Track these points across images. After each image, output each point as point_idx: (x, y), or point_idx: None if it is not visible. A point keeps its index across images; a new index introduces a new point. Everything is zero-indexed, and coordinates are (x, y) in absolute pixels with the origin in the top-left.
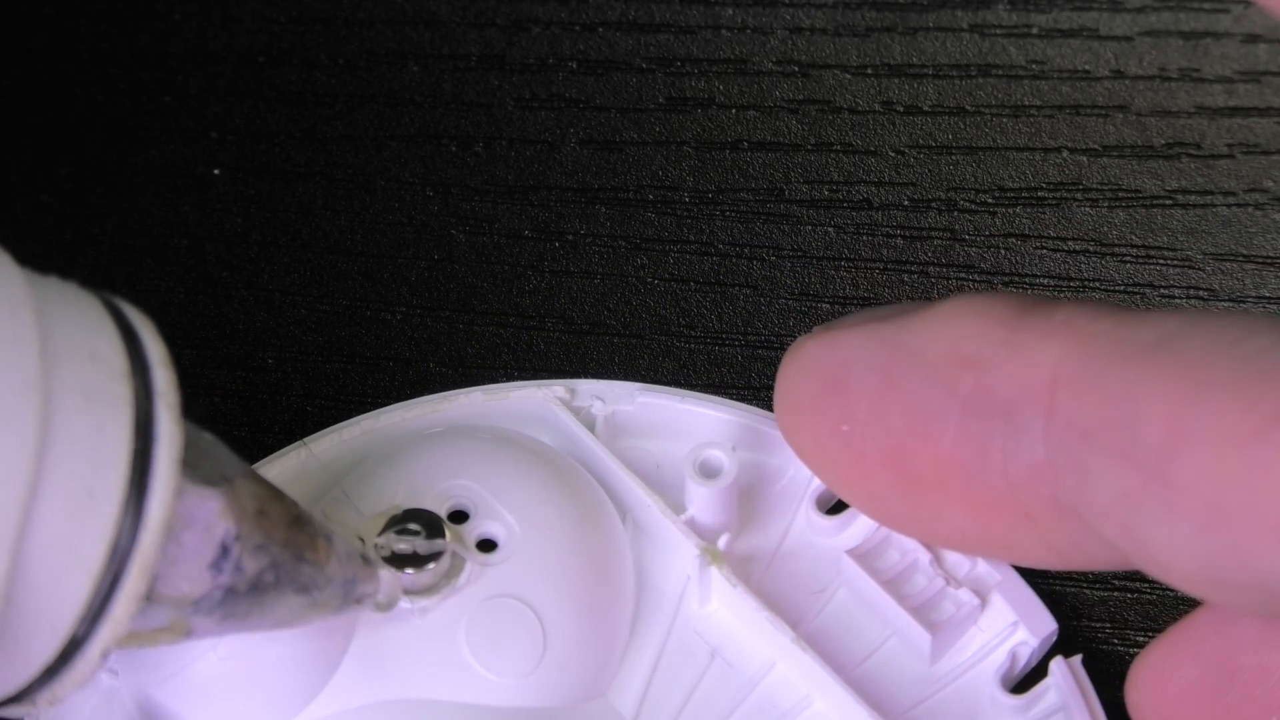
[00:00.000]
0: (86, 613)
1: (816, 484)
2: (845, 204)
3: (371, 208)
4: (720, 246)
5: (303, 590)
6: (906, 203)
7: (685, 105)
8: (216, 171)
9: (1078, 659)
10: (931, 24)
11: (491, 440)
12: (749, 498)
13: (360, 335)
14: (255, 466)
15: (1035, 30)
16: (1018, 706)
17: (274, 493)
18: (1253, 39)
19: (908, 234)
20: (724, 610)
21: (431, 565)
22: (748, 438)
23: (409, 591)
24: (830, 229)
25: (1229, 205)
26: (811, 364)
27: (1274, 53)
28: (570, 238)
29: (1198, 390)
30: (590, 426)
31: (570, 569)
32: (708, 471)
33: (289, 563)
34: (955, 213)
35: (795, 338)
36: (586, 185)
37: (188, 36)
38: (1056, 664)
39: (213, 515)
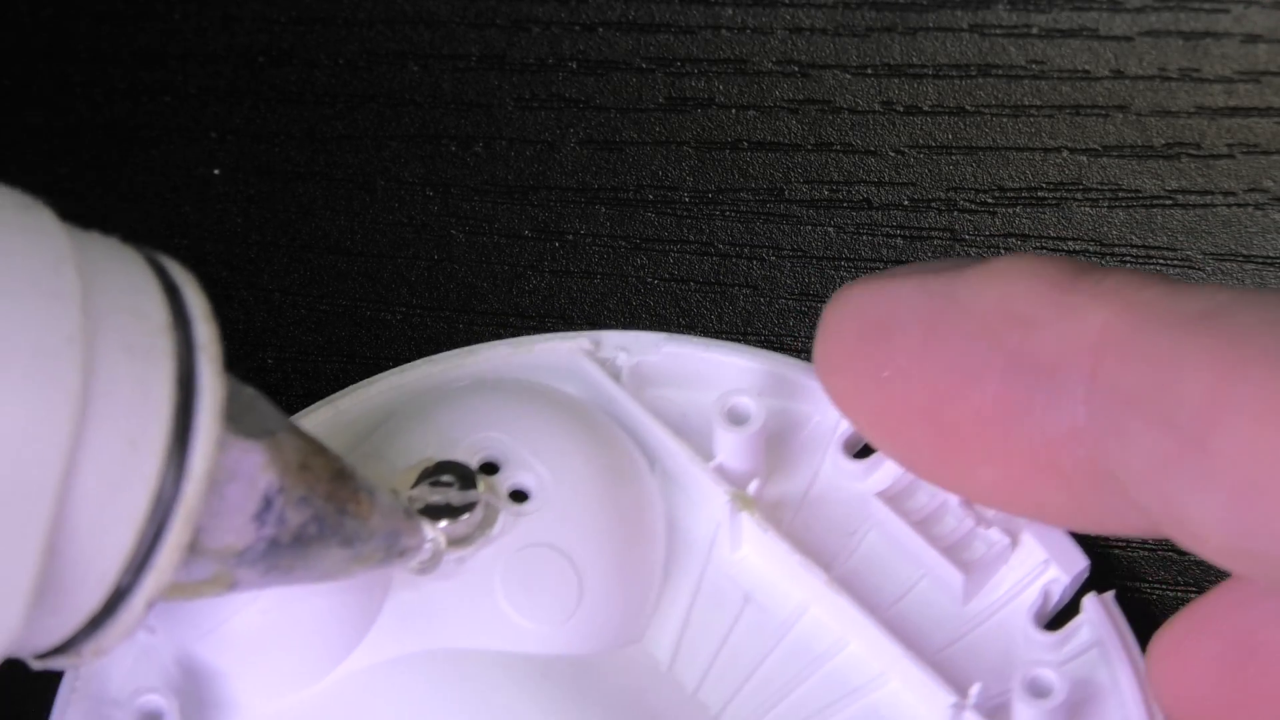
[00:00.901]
0: (130, 563)
1: (844, 428)
2: (845, 204)
3: (371, 208)
4: (720, 246)
5: (346, 543)
6: (906, 203)
7: (685, 105)
8: (216, 171)
9: (1110, 595)
10: (931, 24)
11: (520, 392)
12: (776, 444)
13: (360, 335)
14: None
15: (1035, 30)
16: (1052, 643)
17: (317, 446)
18: (1253, 39)
19: (908, 234)
20: (755, 555)
21: (465, 516)
22: (773, 384)
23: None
24: (830, 229)
25: (1229, 205)
26: (857, 310)
27: (1274, 53)
28: (570, 238)
29: (1242, 363)
30: (616, 377)
31: (602, 517)
32: (735, 418)
33: (332, 515)
34: (955, 213)
35: (795, 339)
36: (586, 185)
37: (188, 36)
38: (1089, 600)
39: (256, 468)
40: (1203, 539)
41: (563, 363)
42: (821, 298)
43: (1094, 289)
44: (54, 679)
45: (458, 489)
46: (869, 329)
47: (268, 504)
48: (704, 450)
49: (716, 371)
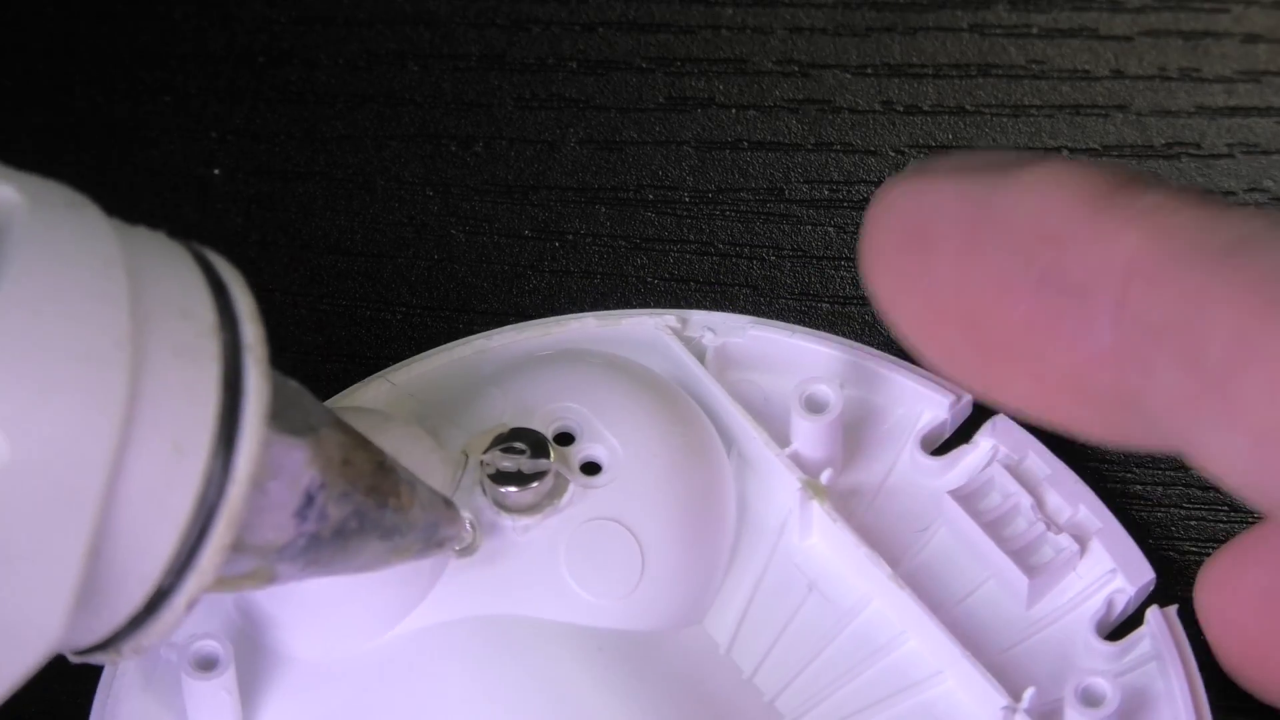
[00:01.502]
0: (173, 565)
1: (923, 423)
2: (845, 204)
3: (371, 208)
4: (720, 246)
5: (385, 536)
6: None
7: (685, 105)
8: (216, 171)
9: (1173, 609)
10: (931, 24)
11: (601, 365)
12: (855, 434)
13: (360, 335)
14: (378, 376)
15: (1035, 30)
16: (1112, 653)
17: (359, 440)
18: (1253, 39)
19: None
20: (823, 544)
21: (535, 484)
22: (857, 375)
23: (511, 510)
24: (830, 229)
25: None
26: (899, 213)
27: (1274, 53)
28: (570, 238)
29: (1269, 307)
30: (700, 357)
31: (671, 496)
32: (813, 406)
33: (373, 510)
34: None
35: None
36: (586, 185)
37: (188, 36)
38: (1152, 613)
39: (299, 465)
40: (1223, 477)
41: (648, 338)
42: (821, 298)
43: (1128, 209)
44: None
45: (529, 457)
46: (910, 237)
47: (309, 500)
48: (782, 436)
49: (801, 358)
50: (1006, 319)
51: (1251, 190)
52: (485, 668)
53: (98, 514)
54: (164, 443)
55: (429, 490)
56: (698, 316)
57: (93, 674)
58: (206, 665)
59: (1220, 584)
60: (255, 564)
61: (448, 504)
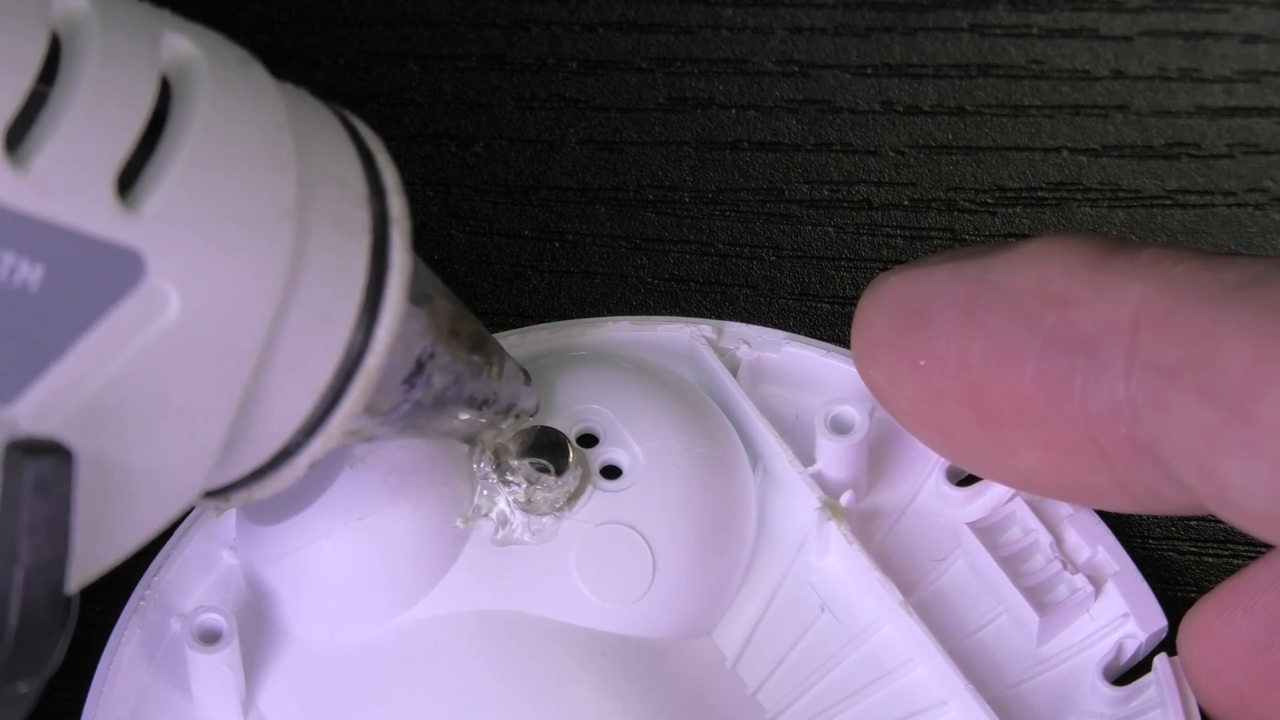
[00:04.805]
0: (305, 426)
1: None
2: (845, 204)
3: None
4: (720, 246)
5: (475, 405)
6: (906, 203)
7: (685, 105)
8: None
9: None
10: (931, 24)
11: (632, 370)
12: (883, 455)
13: None
14: None
15: (1035, 30)
16: (1116, 698)
17: (463, 311)
18: (1253, 39)
19: (908, 234)
20: (839, 566)
21: (553, 484)
22: None
23: (529, 508)
24: (830, 229)
25: (1229, 205)
26: (892, 298)
27: (1274, 53)
28: (570, 238)
29: None
30: (734, 369)
31: (689, 505)
32: (838, 427)
33: (469, 379)
34: (955, 213)
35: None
36: (586, 185)
37: None
38: (1160, 661)
39: (414, 334)
40: (1244, 509)
41: (683, 347)
42: (821, 298)
43: (1129, 265)
44: (125, 589)
45: (550, 456)
46: (904, 319)
47: (419, 368)
48: (810, 454)
49: (834, 377)
50: (1013, 384)
51: (1251, 190)
52: (487, 663)
53: (250, 376)
54: (316, 310)
55: (514, 363)
56: (733, 328)
57: (91, 675)
58: (210, 639)
59: (1205, 632)
60: (358, 425)
61: (527, 378)
